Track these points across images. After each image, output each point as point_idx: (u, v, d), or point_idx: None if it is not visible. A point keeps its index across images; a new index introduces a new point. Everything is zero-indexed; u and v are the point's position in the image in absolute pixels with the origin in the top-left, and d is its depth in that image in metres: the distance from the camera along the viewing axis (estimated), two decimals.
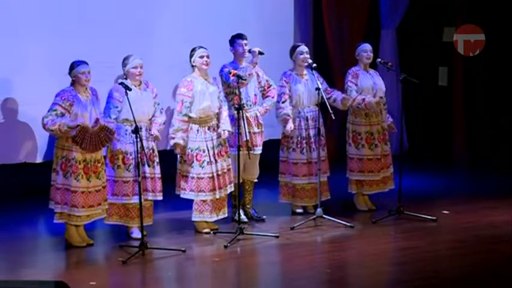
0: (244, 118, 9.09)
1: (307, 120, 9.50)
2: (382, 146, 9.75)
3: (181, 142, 8.79)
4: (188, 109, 8.80)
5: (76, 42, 9.80)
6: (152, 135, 8.64)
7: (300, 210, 9.68)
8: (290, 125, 9.40)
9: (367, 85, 9.64)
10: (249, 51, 9.17)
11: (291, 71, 9.56)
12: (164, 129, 8.89)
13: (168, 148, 9.39)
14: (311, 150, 9.50)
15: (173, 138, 8.79)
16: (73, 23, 9.87)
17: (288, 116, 9.41)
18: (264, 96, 9.51)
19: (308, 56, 9.47)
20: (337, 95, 9.54)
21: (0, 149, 9.60)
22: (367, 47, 9.74)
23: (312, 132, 9.49)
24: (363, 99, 9.52)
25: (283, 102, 9.44)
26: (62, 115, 8.21)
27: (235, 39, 9.28)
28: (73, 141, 8.26)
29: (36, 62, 9.68)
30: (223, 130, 8.91)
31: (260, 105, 9.44)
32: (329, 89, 9.59)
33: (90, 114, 8.32)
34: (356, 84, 9.63)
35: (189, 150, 8.86)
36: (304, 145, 9.50)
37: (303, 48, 9.51)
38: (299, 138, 9.50)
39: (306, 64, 9.46)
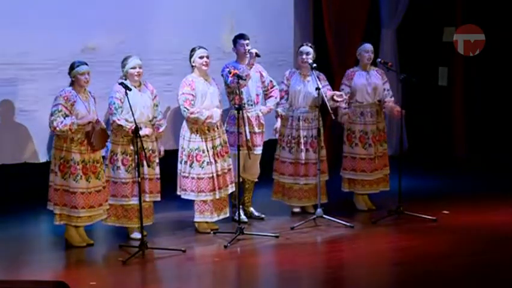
0: (245, 118, 9.11)
1: (298, 120, 9.51)
2: (377, 147, 9.75)
3: (217, 114, 8.79)
4: (193, 106, 8.79)
5: (76, 42, 9.79)
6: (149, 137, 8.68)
7: (297, 210, 9.69)
8: (277, 124, 9.47)
9: (360, 85, 9.67)
10: (248, 51, 9.18)
11: (296, 69, 9.59)
12: (165, 131, 8.91)
13: (169, 149, 9.40)
14: (299, 150, 9.51)
15: (211, 116, 8.75)
16: (73, 23, 9.85)
17: (279, 113, 9.45)
18: (267, 96, 9.53)
19: (309, 57, 9.46)
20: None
21: (0, 149, 9.59)
22: (368, 47, 9.76)
23: (302, 133, 9.50)
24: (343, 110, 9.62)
25: (281, 99, 9.48)
26: (66, 115, 8.22)
27: (237, 40, 9.31)
28: (86, 137, 8.27)
29: (37, 62, 9.66)
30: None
31: (263, 105, 9.46)
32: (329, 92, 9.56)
33: (90, 115, 8.34)
34: (349, 86, 9.67)
35: (189, 151, 8.87)
36: (293, 145, 9.52)
37: (304, 48, 9.50)
38: (289, 138, 9.53)
39: (306, 65, 9.46)
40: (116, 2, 10.15)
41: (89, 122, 8.27)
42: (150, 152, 8.65)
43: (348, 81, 9.72)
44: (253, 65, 9.16)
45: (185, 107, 8.77)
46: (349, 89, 9.70)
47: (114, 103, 8.52)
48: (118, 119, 8.46)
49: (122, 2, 10.21)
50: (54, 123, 8.19)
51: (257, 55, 9.09)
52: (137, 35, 10.17)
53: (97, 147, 8.41)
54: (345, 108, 9.67)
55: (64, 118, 8.19)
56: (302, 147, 9.50)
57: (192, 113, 8.75)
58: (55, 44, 9.70)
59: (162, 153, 8.85)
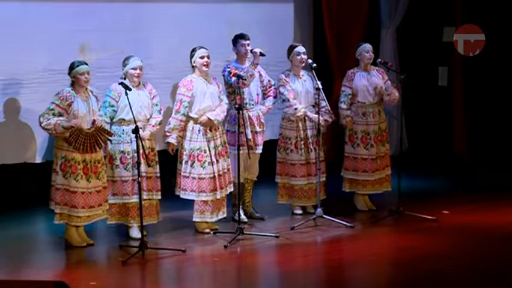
0: (246, 118, 9.13)
1: (304, 121, 9.50)
2: (379, 147, 9.75)
3: (174, 142, 8.82)
4: (186, 109, 8.82)
5: (76, 42, 9.78)
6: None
7: (299, 211, 9.68)
8: (321, 118, 9.34)
9: (361, 86, 9.66)
10: (251, 51, 9.19)
11: (289, 71, 9.56)
12: (160, 129, 8.91)
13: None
14: (309, 150, 9.50)
15: (167, 136, 8.82)
16: (74, 22, 9.85)
17: (304, 113, 9.38)
18: (266, 95, 9.53)
19: (305, 56, 9.47)
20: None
21: (0, 149, 9.59)
22: (368, 47, 9.75)
23: (309, 132, 9.50)
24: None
25: (294, 99, 9.41)
26: (60, 115, 8.26)
27: (238, 39, 9.31)
28: (66, 142, 8.29)
29: (38, 62, 9.67)
30: (205, 115, 8.87)
31: (262, 105, 9.46)
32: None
33: (89, 115, 8.35)
34: (350, 87, 9.67)
35: (191, 151, 8.87)
36: (302, 146, 9.50)
37: (301, 49, 9.51)
38: (297, 139, 9.50)
39: (303, 65, 9.47)
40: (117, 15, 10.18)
41: (71, 127, 8.25)
42: (149, 150, 8.66)
43: (349, 83, 9.71)
44: (257, 64, 9.15)
45: (174, 110, 8.82)
46: (350, 90, 9.68)
47: (106, 101, 8.62)
48: (100, 115, 8.51)
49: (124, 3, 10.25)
50: (41, 119, 8.28)
51: (262, 54, 9.08)
52: (138, 41, 10.18)
53: (83, 151, 8.35)
54: (347, 109, 9.66)
55: (53, 117, 8.22)
56: (311, 146, 9.50)
57: (172, 118, 8.78)
58: (56, 44, 9.70)
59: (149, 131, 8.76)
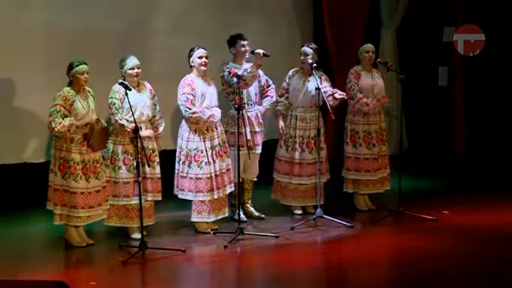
0: (246, 118, 9.13)
1: (296, 119, 9.51)
2: (380, 146, 9.76)
3: (218, 113, 8.87)
4: (194, 106, 8.79)
5: (76, 41, 9.79)
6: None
7: (299, 212, 9.68)
8: (281, 123, 9.49)
9: (366, 85, 9.66)
10: (252, 52, 9.16)
11: (300, 69, 9.59)
12: (164, 131, 8.92)
13: (168, 148, 9.41)
14: (295, 149, 9.50)
15: (213, 115, 8.80)
16: (74, 22, 9.86)
17: (279, 111, 9.47)
18: (263, 96, 9.53)
19: (308, 57, 9.44)
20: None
21: (0, 149, 9.59)
22: (369, 47, 9.76)
23: (299, 132, 9.50)
24: (367, 104, 9.55)
25: (280, 97, 9.52)
26: (65, 116, 8.22)
27: (236, 40, 9.29)
28: (85, 139, 8.27)
29: (37, 62, 9.67)
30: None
31: (259, 105, 9.47)
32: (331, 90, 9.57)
33: (88, 116, 8.33)
34: (358, 84, 9.66)
35: (188, 151, 8.86)
36: (290, 144, 9.52)
37: (304, 49, 9.51)
38: (287, 136, 9.54)
39: (304, 65, 9.47)
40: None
41: (87, 124, 8.27)
42: (150, 151, 8.65)
43: (356, 80, 9.69)
44: (260, 65, 9.15)
45: (187, 107, 8.77)
46: (358, 87, 9.66)
47: (114, 103, 8.53)
48: (120, 119, 8.46)
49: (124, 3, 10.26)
50: (53, 124, 8.19)
51: (265, 55, 9.08)
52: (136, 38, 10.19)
53: (97, 148, 8.41)
54: (363, 97, 9.62)
55: (63, 119, 8.19)
56: (297, 146, 9.51)
57: (194, 113, 8.74)
58: (56, 44, 9.72)
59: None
